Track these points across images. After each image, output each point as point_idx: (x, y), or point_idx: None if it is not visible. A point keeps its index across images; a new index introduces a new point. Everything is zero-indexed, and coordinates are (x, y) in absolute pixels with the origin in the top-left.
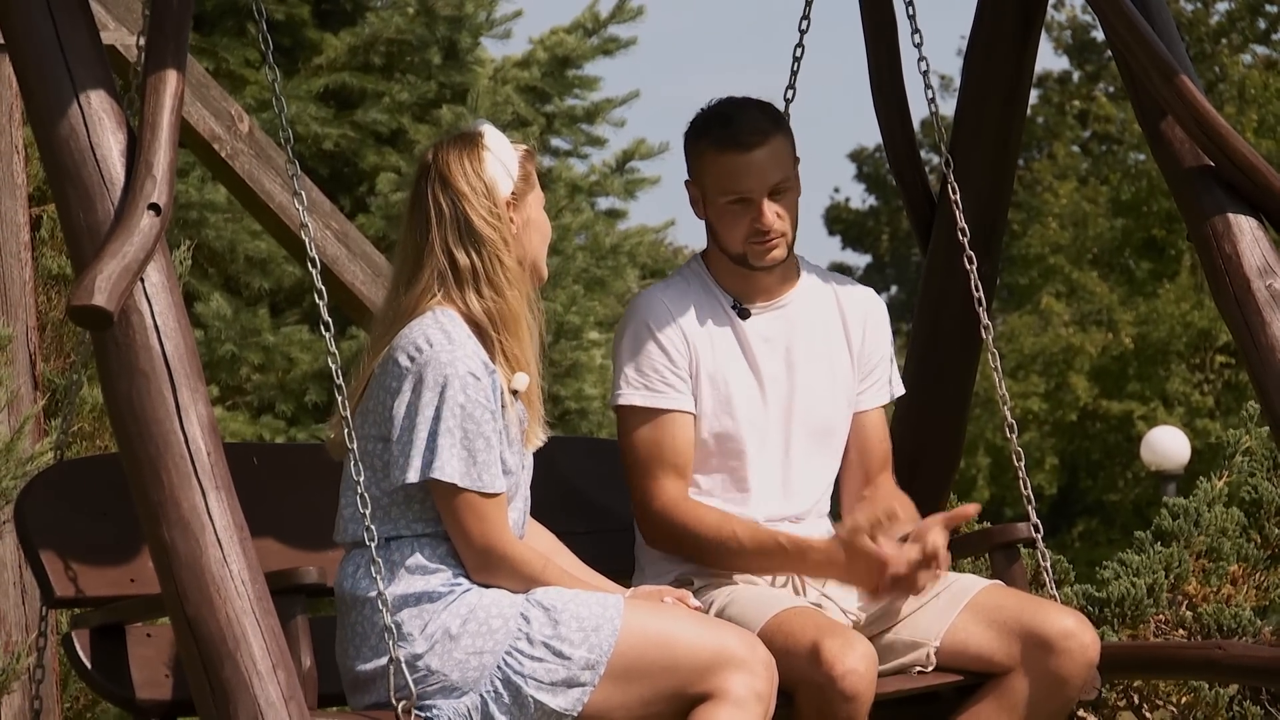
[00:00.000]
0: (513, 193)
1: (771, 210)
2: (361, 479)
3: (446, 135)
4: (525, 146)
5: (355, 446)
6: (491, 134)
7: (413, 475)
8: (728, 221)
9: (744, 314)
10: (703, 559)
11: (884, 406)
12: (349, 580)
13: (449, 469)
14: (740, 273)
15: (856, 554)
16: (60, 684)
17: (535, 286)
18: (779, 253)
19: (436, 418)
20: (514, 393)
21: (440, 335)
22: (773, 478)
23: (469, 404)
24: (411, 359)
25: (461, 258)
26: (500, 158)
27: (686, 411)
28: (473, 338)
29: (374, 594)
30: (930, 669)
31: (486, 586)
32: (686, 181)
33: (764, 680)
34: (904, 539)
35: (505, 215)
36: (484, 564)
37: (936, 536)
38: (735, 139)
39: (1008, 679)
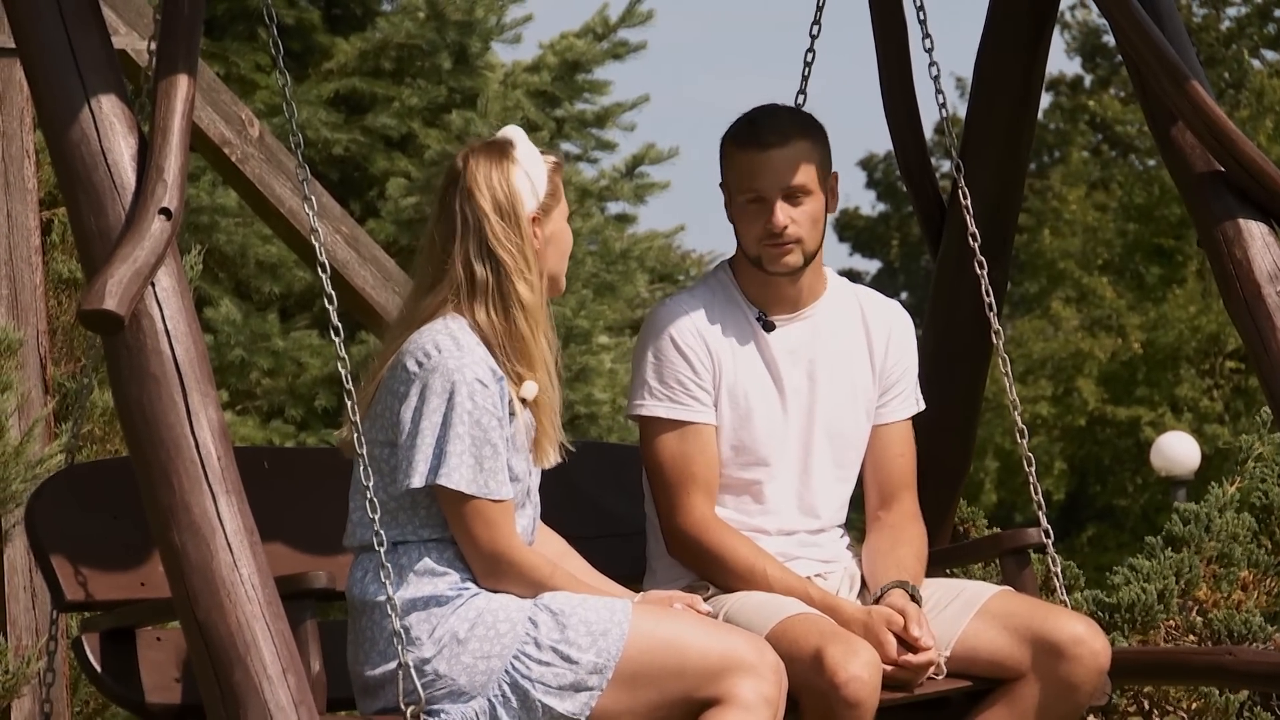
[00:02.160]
0: (540, 208)
1: (784, 213)
2: (371, 483)
3: (477, 143)
4: (554, 159)
5: (365, 451)
6: (523, 145)
7: (417, 480)
8: (745, 221)
9: (769, 326)
10: (725, 584)
11: (907, 422)
12: (358, 585)
13: (456, 475)
14: (764, 280)
15: (875, 636)
16: (70, 688)
17: (552, 298)
18: (792, 259)
19: (444, 424)
20: (522, 401)
21: (449, 341)
22: (791, 491)
23: (476, 410)
24: (420, 364)
25: (480, 272)
26: (529, 172)
27: (711, 424)
28: (481, 345)
29: (382, 599)
30: (941, 676)
31: (495, 591)
32: (720, 183)
33: (773, 685)
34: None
35: (528, 234)
36: (491, 570)
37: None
38: (755, 137)
39: (1018, 685)
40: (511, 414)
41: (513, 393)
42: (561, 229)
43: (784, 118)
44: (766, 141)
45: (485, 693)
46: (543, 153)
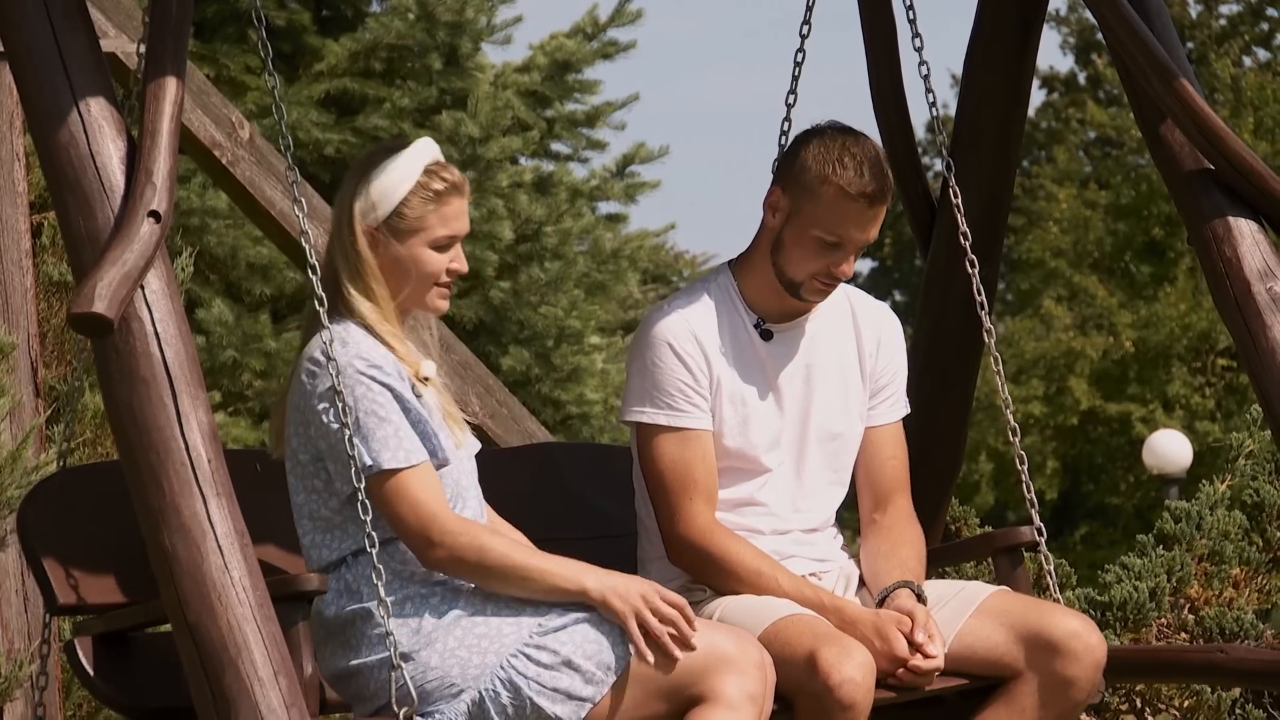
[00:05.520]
0: (384, 224)
1: (852, 262)
2: (362, 485)
3: (376, 144)
4: (439, 185)
5: (354, 453)
6: (397, 160)
7: (346, 486)
8: (806, 252)
9: (767, 335)
10: (730, 590)
11: (898, 424)
12: (331, 607)
13: (380, 459)
14: (776, 292)
15: (885, 635)
16: (63, 691)
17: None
18: (831, 297)
19: (352, 420)
20: (424, 380)
21: (335, 343)
22: (786, 494)
23: (371, 393)
24: (312, 374)
25: (336, 259)
26: (374, 189)
27: (708, 430)
28: (369, 336)
29: (364, 605)
30: (938, 674)
31: (457, 589)
32: (777, 186)
33: (756, 681)
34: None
35: (361, 245)
36: (426, 547)
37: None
38: (865, 190)
39: (1016, 683)
40: (419, 395)
41: (411, 373)
42: (414, 257)
43: (885, 174)
44: (876, 199)
45: (477, 685)
46: (431, 171)
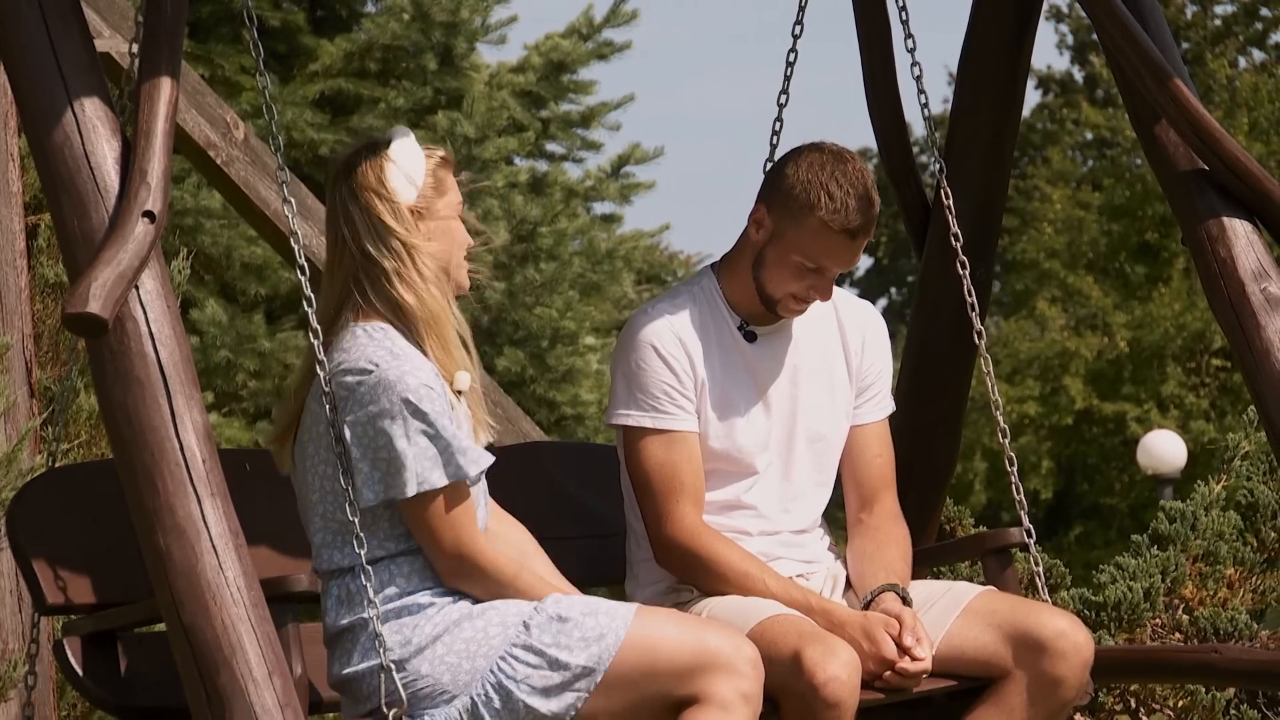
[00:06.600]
0: (420, 197)
1: (830, 287)
2: (351, 490)
3: (354, 143)
4: (441, 153)
5: (344, 456)
6: (398, 141)
7: (372, 496)
8: (785, 273)
9: (751, 337)
10: (718, 591)
11: (884, 423)
12: (332, 614)
13: (428, 478)
14: (754, 295)
15: (874, 638)
16: (58, 691)
17: (454, 295)
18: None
19: (401, 435)
20: (458, 393)
21: (384, 353)
22: (775, 495)
23: (432, 413)
24: (360, 381)
25: (376, 257)
26: (403, 166)
27: (694, 431)
28: (414, 348)
29: (361, 615)
30: (925, 675)
31: (475, 601)
32: (762, 204)
33: (750, 680)
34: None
35: (410, 221)
36: (456, 570)
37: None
38: (849, 225)
39: (1004, 683)
40: (452, 407)
41: (448, 388)
42: (451, 223)
43: (870, 207)
44: (857, 233)
45: (468, 691)
46: (427, 148)
